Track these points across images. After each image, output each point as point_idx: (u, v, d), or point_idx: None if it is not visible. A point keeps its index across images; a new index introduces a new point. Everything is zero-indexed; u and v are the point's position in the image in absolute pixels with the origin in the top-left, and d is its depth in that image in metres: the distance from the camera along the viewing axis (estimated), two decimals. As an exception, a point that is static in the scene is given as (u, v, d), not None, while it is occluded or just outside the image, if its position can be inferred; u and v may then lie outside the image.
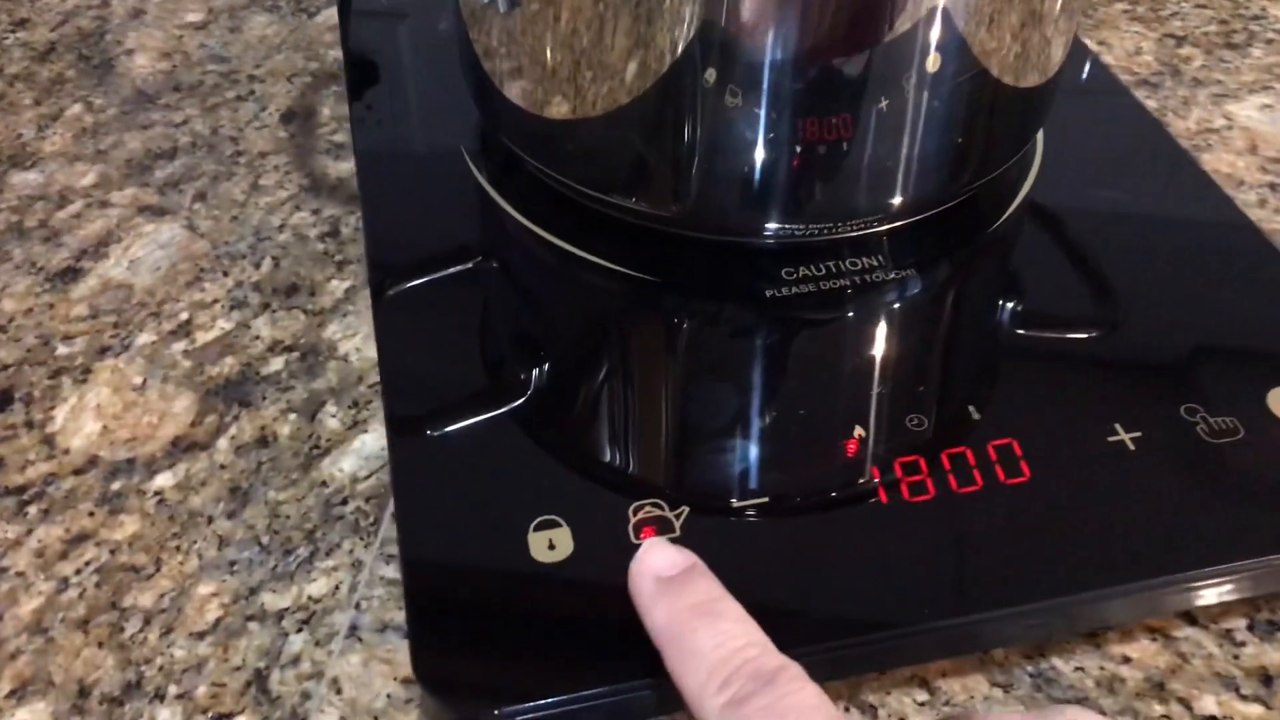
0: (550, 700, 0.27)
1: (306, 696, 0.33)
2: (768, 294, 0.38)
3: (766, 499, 0.32)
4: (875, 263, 0.39)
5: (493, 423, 0.35)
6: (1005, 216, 0.41)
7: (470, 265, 0.41)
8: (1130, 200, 0.43)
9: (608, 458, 0.34)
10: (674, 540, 0.31)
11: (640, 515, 0.31)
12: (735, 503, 0.32)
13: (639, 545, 0.30)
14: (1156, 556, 0.30)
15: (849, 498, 0.32)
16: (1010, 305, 0.38)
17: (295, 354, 0.43)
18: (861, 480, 0.33)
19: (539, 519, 0.31)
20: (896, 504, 0.32)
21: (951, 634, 0.30)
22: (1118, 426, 0.33)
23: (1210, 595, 0.32)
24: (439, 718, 0.28)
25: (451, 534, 0.31)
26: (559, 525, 0.31)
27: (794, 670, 0.24)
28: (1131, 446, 0.33)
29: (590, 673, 0.28)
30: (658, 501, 0.31)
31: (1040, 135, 0.44)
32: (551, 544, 0.30)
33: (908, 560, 0.31)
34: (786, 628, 0.29)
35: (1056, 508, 0.32)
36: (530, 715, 0.27)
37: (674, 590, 0.26)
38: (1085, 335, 0.37)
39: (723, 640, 0.24)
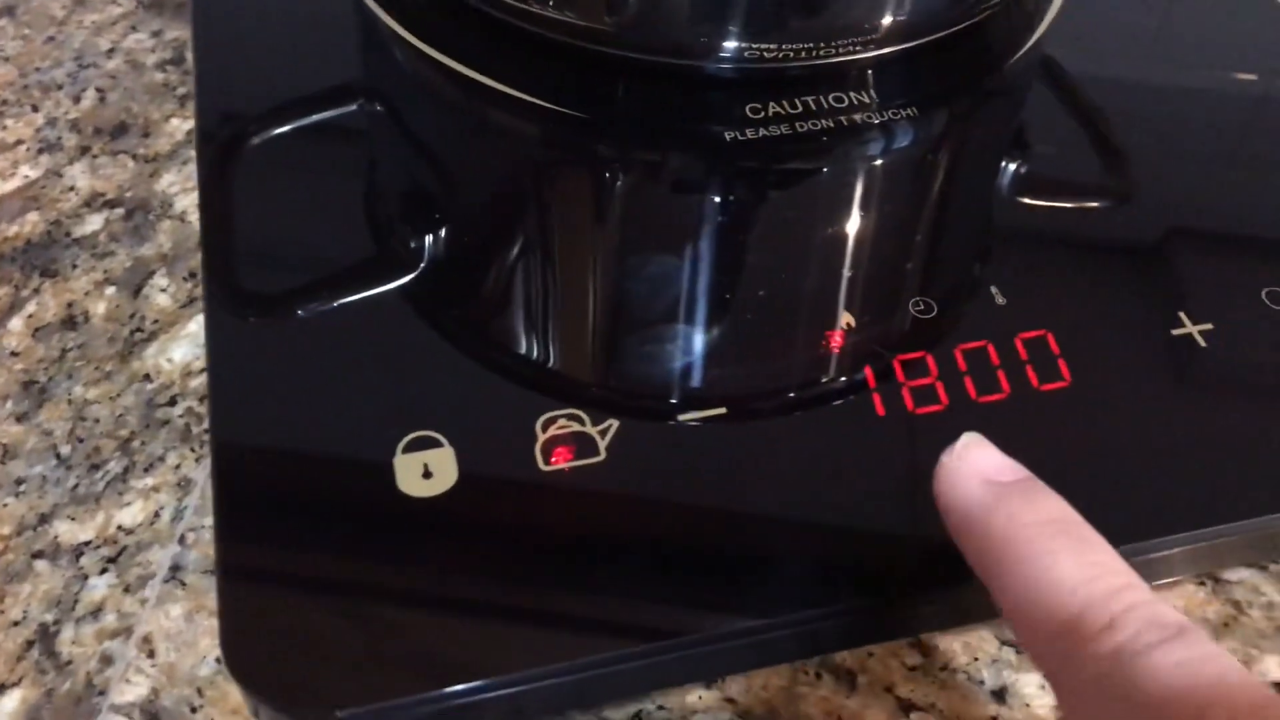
0: (415, 699, 0.20)
1: (107, 661, 0.26)
2: (727, 136, 0.30)
3: (723, 410, 0.24)
4: (862, 99, 0.31)
5: (363, 305, 0.27)
6: (1021, 52, 0.34)
7: (350, 108, 0.33)
8: (1182, 35, 0.35)
9: (511, 351, 0.26)
10: (599, 467, 0.23)
11: (551, 431, 0.23)
12: (681, 416, 0.24)
13: (548, 471, 0.22)
14: (1237, 491, 0.24)
15: (833, 409, 0.25)
16: (1030, 162, 0.31)
17: (119, 210, 0.35)
18: (850, 385, 0.25)
19: (411, 436, 0.23)
20: (897, 417, 0.25)
21: (962, 599, 0.24)
22: (1183, 316, 0.27)
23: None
24: (264, 718, 0.21)
25: (285, 455, 0.23)
26: (438, 445, 0.23)
27: (1201, 630, 0.20)
28: (1202, 342, 0.26)
29: (475, 659, 0.20)
30: (575, 413, 0.24)
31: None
32: (427, 470, 0.23)
33: (911, 492, 0.24)
34: (749, 592, 0.22)
35: (1110, 423, 0.25)
36: (386, 718, 0.20)
37: (1017, 498, 0.22)
38: (1135, 210, 0.30)
39: (1101, 573, 0.20)
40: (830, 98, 0.31)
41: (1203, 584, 0.28)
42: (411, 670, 0.20)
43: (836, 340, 0.26)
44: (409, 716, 0.20)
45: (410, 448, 0.23)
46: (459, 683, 0.20)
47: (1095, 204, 0.30)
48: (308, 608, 0.21)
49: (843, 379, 0.25)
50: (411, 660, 0.20)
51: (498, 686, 0.20)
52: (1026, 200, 0.30)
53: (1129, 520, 0.24)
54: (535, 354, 0.26)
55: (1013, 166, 0.31)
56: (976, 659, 0.26)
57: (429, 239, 0.28)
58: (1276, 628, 0.26)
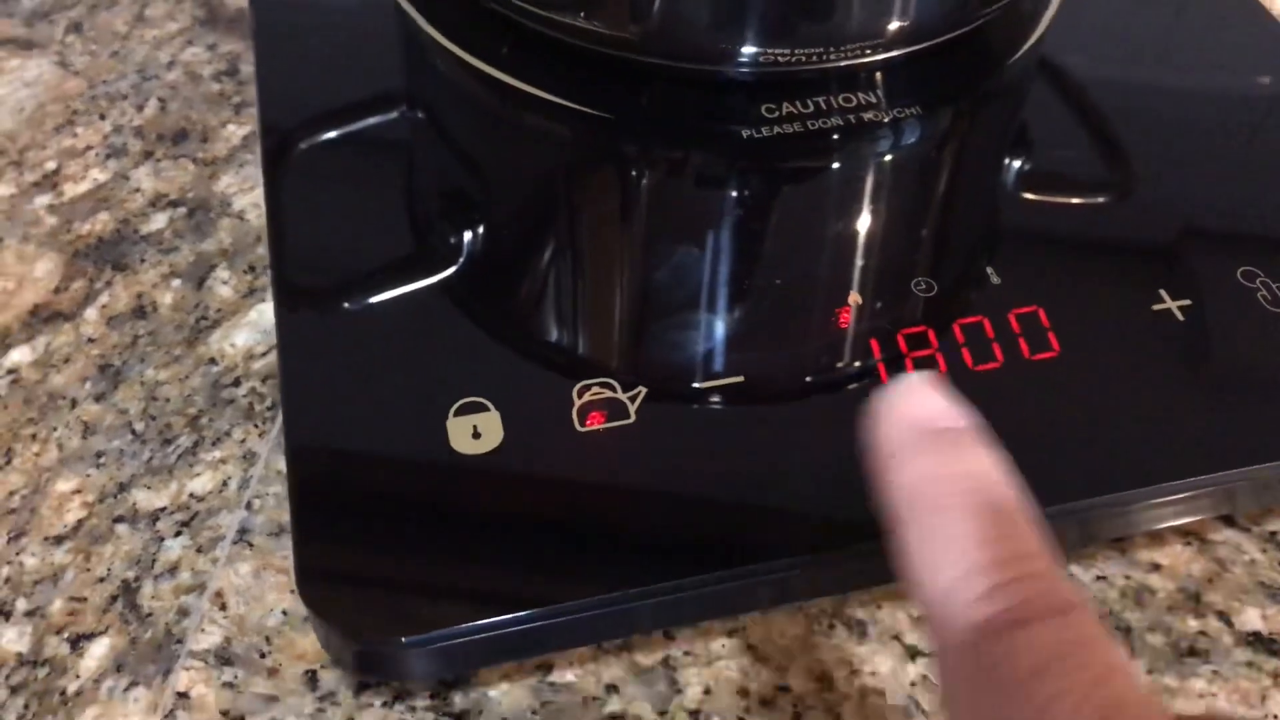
0: (471, 626, 0.22)
1: (184, 613, 0.27)
2: (744, 135, 0.32)
3: (740, 378, 0.26)
4: (870, 100, 0.33)
5: (413, 295, 0.29)
6: (1020, 53, 0.35)
7: (395, 115, 0.35)
8: (1167, 30, 0.37)
9: (548, 330, 0.28)
10: (629, 428, 0.25)
11: (586, 397, 0.26)
12: (702, 383, 0.26)
13: (584, 432, 0.25)
14: (1209, 448, 0.25)
15: (840, 377, 0.27)
16: (1033, 158, 0.33)
17: (182, 210, 0.37)
18: (856, 356, 0.27)
19: (462, 401, 0.25)
20: None
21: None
22: (1163, 293, 0.28)
23: (1261, 495, 0.27)
24: (334, 646, 0.23)
25: (351, 421, 0.25)
26: (486, 409, 0.25)
27: (1089, 613, 0.18)
28: (1180, 316, 0.28)
29: (522, 591, 0.23)
30: (608, 381, 0.26)
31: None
32: (476, 431, 0.25)
33: None
34: (765, 535, 0.23)
35: (1093, 388, 0.27)
36: (446, 644, 0.22)
37: (942, 448, 0.20)
38: (1121, 195, 0.31)
39: (1005, 539, 0.19)
40: (840, 98, 0.32)
41: (1189, 543, 0.29)
42: (466, 602, 0.22)
43: (845, 317, 0.28)
44: (464, 643, 0.22)
45: (460, 412, 0.25)
46: (508, 612, 0.22)
47: (1087, 194, 0.32)
48: (374, 548, 0.23)
49: (850, 351, 0.27)
50: (465, 594, 0.22)
51: (541, 617, 0.22)
52: (1023, 192, 0.31)
53: (1108, 472, 0.25)
54: (571, 331, 0.28)
55: (1009, 160, 0.32)
56: (977, 611, 0.28)
57: (469, 234, 0.30)
58: (1258, 582, 0.28)
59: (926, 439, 0.20)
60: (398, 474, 0.24)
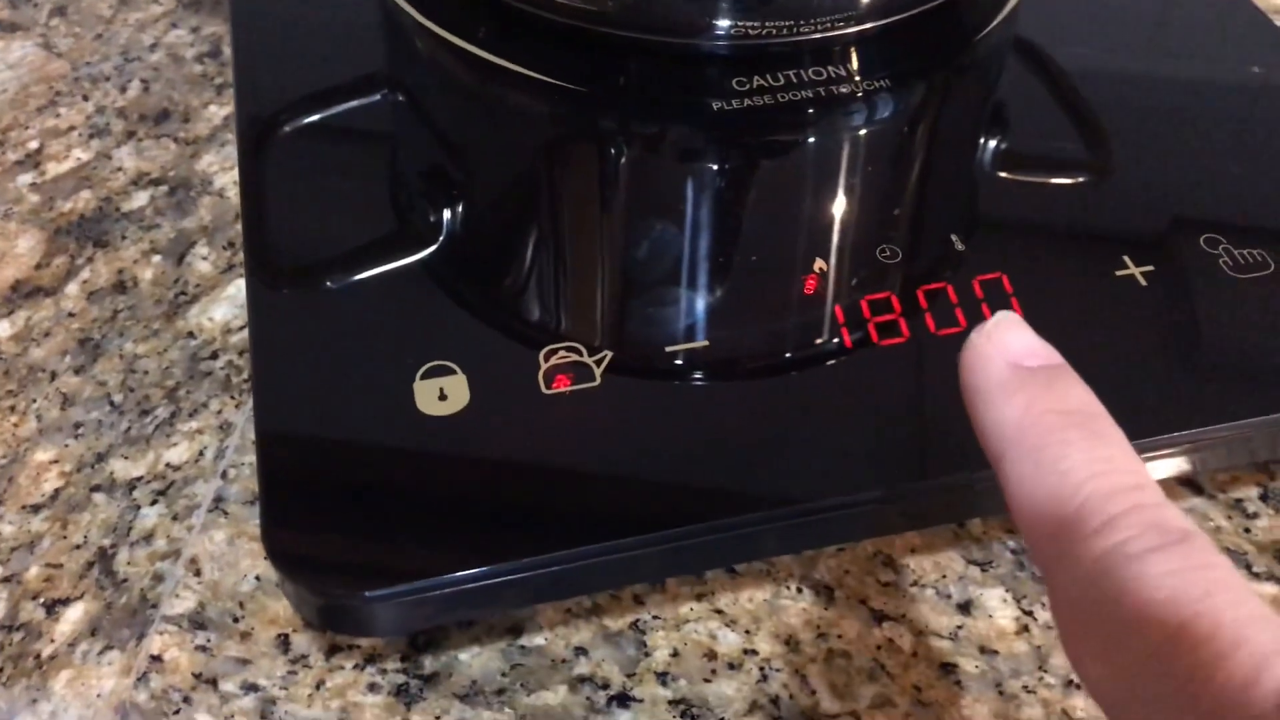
0: (434, 580, 0.22)
1: (159, 579, 0.28)
2: (715, 107, 0.32)
3: (705, 343, 0.27)
4: (841, 73, 0.33)
5: (383, 264, 0.29)
6: (990, 28, 0.36)
7: (371, 93, 0.35)
8: (1137, 6, 0.37)
9: (517, 296, 0.28)
10: (595, 390, 0.25)
11: (553, 361, 0.26)
12: (668, 347, 0.27)
13: (550, 394, 0.25)
14: (1167, 411, 0.26)
15: (804, 342, 0.27)
16: (999, 131, 0.33)
17: (163, 188, 0.37)
18: (821, 321, 0.27)
19: (429, 364, 0.25)
20: (863, 349, 0.27)
21: (921, 501, 0.26)
22: (1126, 259, 0.28)
23: (1223, 457, 0.27)
24: (300, 602, 0.23)
25: (319, 384, 0.26)
26: (453, 372, 0.25)
27: (1206, 540, 0.18)
28: (1143, 282, 0.28)
29: (486, 547, 0.23)
30: (575, 345, 0.26)
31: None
32: (443, 393, 0.25)
33: (874, 415, 0.26)
34: (728, 494, 0.24)
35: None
36: (409, 599, 0.22)
37: (1040, 383, 0.20)
38: (1086, 167, 0.32)
39: (1109, 469, 0.18)
40: (810, 71, 0.33)
41: (1155, 510, 0.30)
42: (428, 558, 0.22)
43: (810, 283, 0.28)
44: (426, 597, 0.22)
45: (428, 375, 0.25)
46: (469, 568, 0.22)
47: (1054, 166, 0.32)
48: (339, 506, 0.23)
49: (814, 316, 0.27)
50: (428, 550, 0.23)
51: (501, 573, 0.22)
52: (991, 164, 0.32)
53: None
54: (539, 297, 0.28)
55: (978, 133, 0.32)
56: (944, 576, 0.28)
57: (446, 204, 0.30)
58: (1223, 549, 0.28)
59: (1025, 374, 0.20)
60: (364, 435, 0.25)
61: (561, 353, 0.26)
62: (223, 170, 0.37)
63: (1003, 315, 0.21)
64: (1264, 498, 0.30)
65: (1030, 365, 0.20)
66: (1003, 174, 0.32)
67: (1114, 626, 0.17)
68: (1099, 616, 0.17)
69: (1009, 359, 0.20)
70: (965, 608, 0.28)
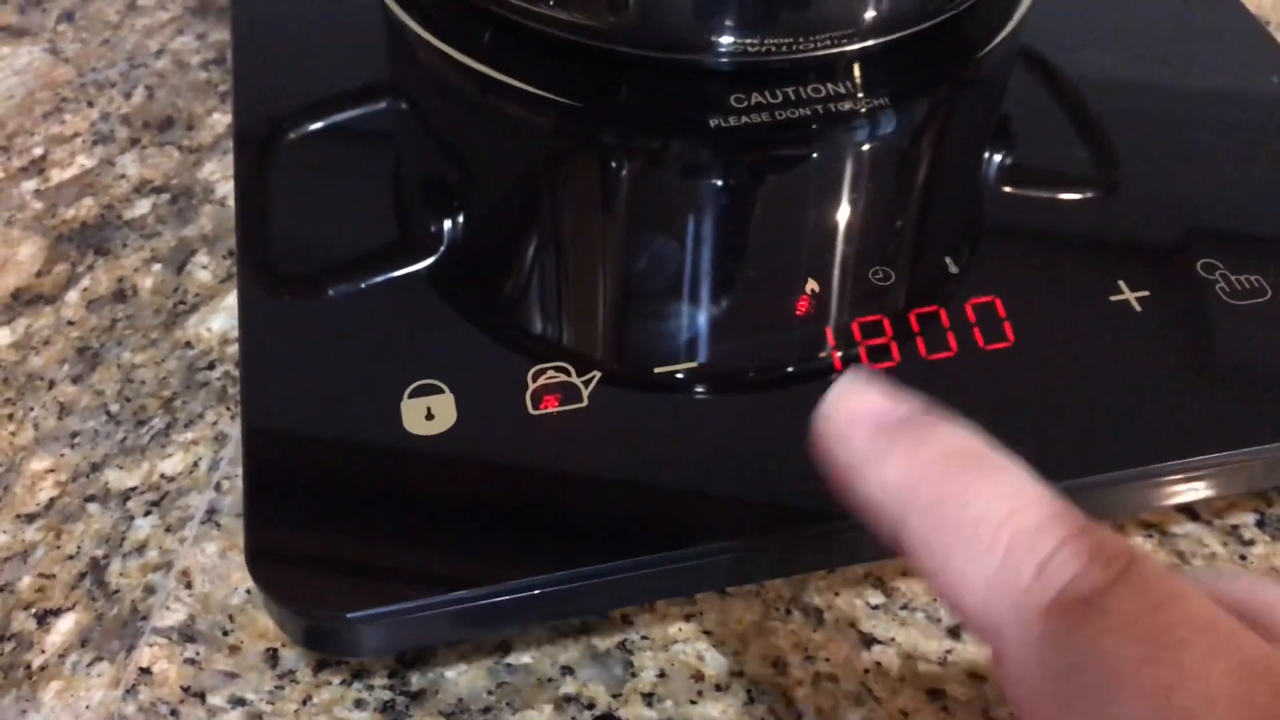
0: (417, 602, 0.22)
1: (150, 590, 0.28)
2: (712, 124, 0.32)
3: (694, 364, 0.27)
4: (842, 90, 0.33)
5: (373, 280, 0.29)
6: (994, 44, 0.35)
7: (370, 105, 0.35)
8: (1142, 22, 0.37)
9: (505, 315, 0.28)
10: (582, 411, 0.25)
11: (541, 381, 0.26)
12: (656, 369, 0.27)
13: (537, 415, 0.25)
14: (1162, 438, 0.26)
15: (795, 364, 0.27)
16: (998, 149, 0.33)
17: (165, 196, 0.37)
18: (811, 343, 0.27)
19: (416, 383, 0.26)
20: None
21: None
22: (1122, 284, 0.28)
23: (1219, 485, 0.27)
24: (284, 621, 0.23)
25: (306, 402, 0.26)
26: (440, 391, 0.25)
27: (1148, 559, 0.15)
28: (1138, 307, 0.28)
29: (471, 569, 0.23)
30: (563, 365, 0.26)
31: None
32: (430, 412, 0.25)
33: None
34: (716, 516, 0.24)
35: (1045, 378, 0.27)
36: (392, 620, 0.22)
37: (912, 436, 0.17)
38: (1086, 186, 0.32)
39: (1021, 503, 0.16)
40: (809, 88, 0.32)
41: (1149, 535, 0.29)
42: (412, 580, 0.22)
43: (802, 305, 0.28)
44: (410, 619, 0.22)
45: (415, 394, 0.25)
46: (452, 590, 0.22)
47: (1051, 187, 0.32)
48: (324, 526, 0.23)
49: (805, 339, 0.27)
50: (411, 571, 0.23)
51: (484, 596, 0.22)
52: (987, 184, 0.31)
53: (1061, 461, 0.25)
54: (527, 317, 0.28)
55: (975, 153, 0.32)
56: (935, 600, 0.28)
57: (440, 219, 0.31)
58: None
59: (890, 433, 0.18)
60: (351, 454, 0.25)
61: (549, 373, 0.26)
62: (224, 179, 0.37)
63: (844, 381, 0.19)
64: (1260, 524, 0.29)
65: (889, 423, 0.18)
66: (998, 196, 0.31)
67: (1084, 699, 0.15)
68: (1068, 695, 0.15)
69: (865, 426, 0.18)
70: (955, 632, 0.27)
